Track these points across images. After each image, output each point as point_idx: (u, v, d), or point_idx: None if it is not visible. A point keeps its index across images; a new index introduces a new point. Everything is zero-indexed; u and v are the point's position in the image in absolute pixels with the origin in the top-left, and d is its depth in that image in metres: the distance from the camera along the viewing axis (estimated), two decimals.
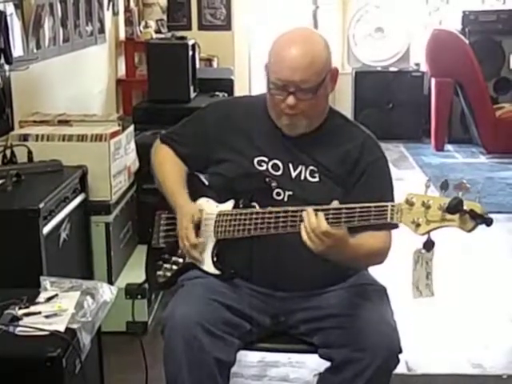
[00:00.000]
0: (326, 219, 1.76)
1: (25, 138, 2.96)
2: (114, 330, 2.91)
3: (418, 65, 7.15)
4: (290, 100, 1.93)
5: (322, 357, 1.98)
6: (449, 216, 1.64)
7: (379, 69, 7.24)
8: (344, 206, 1.78)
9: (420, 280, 1.82)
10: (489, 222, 1.63)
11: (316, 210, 1.78)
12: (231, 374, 1.96)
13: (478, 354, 3.01)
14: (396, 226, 1.87)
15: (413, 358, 2.91)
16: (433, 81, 6.66)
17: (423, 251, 1.77)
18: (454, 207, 1.62)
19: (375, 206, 1.74)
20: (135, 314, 2.62)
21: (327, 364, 1.97)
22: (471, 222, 1.63)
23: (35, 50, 3.49)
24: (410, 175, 5.77)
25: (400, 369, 2.09)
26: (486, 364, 2.93)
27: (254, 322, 2.01)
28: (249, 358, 2.88)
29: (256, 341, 2.05)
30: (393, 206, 1.72)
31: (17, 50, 3.18)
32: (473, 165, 6.22)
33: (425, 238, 1.72)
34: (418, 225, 1.68)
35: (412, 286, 1.83)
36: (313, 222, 1.77)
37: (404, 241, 1.86)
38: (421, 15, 7.29)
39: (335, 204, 1.79)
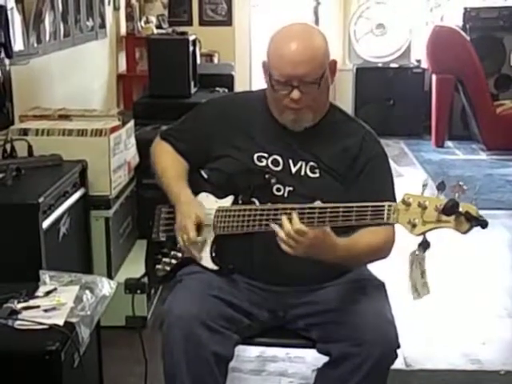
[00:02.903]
0: (319, 218, 1.77)
1: (25, 132, 2.96)
2: (114, 325, 2.92)
3: (418, 61, 7.15)
4: (295, 94, 1.92)
5: (319, 351, 1.99)
6: (444, 217, 1.65)
7: (380, 65, 7.25)
8: (342, 204, 1.78)
9: (417, 281, 1.83)
10: (484, 225, 1.64)
11: (312, 208, 1.79)
12: (230, 368, 1.96)
13: (476, 349, 3.02)
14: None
15: (411, 353, 2.92)
16: (433, 77, 6.66)
17: (417, 253, 1.78)
18: (450, 209, 1.63)
19: (372, 206, 1.74)
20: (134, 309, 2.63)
21: (326, 359, 1.97)
22: (466, 224, 1.64)
23: (36, 45, 3.49)
24: (410, 171, 5.78)
25: (398, 364, 2.10)
26: (484, 360, 2.94)
27: (252, 316, 2.01)
28: (247, 353, 2.88)
29: (254, 335, 2.05)
30: (389, 206, 1.73)
31: (17, 45, 3.18)
32: (473, 161, 6.23)
33: (421, 238, 1.72)
34: (414, 225, 1.68)
35: (411, 288, 1.84)
36: (286, 224, 1.78)
37: (404, 236, 1.86)
38: (422, 11, 7.29)
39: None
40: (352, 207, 1.77)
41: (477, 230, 1.69)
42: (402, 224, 1.71)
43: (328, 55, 1.98)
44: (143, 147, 3.19)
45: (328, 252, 1.83)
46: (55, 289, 2.05)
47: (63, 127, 3.00)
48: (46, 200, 2.46)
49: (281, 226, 1.79)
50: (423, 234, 1.70)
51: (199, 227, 1.99)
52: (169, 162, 2.16)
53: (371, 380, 1.88)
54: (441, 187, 1.67)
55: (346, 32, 7.37)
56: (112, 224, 3.06)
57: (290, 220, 1.78)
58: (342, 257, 1.88)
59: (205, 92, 4.94)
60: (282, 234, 1.79)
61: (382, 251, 1.99)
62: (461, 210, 1.63)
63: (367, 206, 1.75)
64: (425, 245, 1.73)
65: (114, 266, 3.10)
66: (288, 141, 2.03)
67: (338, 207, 1.78)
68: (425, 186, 1.71)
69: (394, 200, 1.83)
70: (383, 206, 1.73)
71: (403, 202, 1.70)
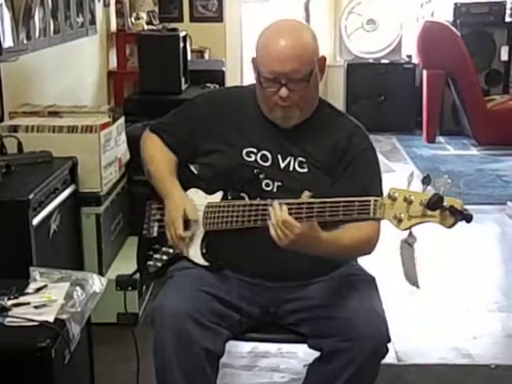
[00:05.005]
0: (307, 213, 1.77)
1: (15, 129, 2.95)
2: (105, 322, 2.92)
3: (409, 57, 7.16)
4: (283, 92, 1.92)
5: (311, 347, 1.99)
6: (429, 212, 1.64)
7: (371, 61, 7.25)
8: (329, 200, 1.78)
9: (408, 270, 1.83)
10: (468, 219, 1.63)
11: (299, 203, 1.79)
12: (221, 364, 1.97)
13: (467, 344, 3.03)
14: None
15: (402, 348, 2.92)
16: (424, 73, 6.67)
17: (403, 246, 1.77)
18: (435, 203, 1.63)
19: (359, 201, 1.74)
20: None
21: (317, 354, 1.97)
22: (451, 218, 1.64)
23: (25, 41, 3.47)
24: (401, 167, 5.78)
25: (389, 359, 2.10)
26: (475, 354, 2.95)
27: (243, 312, 2.02)
28: (239, 349, 2.88)
29: (246, 331, 2.05)
30: (376, 201, 1.72)
31: (7, 41, 3.16)
32: (464, 157, 6.25)
33: (407, 233, 1.72)
34: (400, 220, 1.68)
35: (416, 275, 1.83)
36: (277, 214, 1.78)
37: (394, 230, 1.86)
38: (413, 7, 7.29)
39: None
40: (339, 202, 1.76)
41: (467, 224, 1.68)
42: (387, 219, 1.71)
43: (317, 52, 1.97)
44: (134, 144, 3.15)
45: (311, 245, 1.83)
46: (45, 285, 2.05)
47: (53, 124, 2.99)
48: (36, 197, 2.45)
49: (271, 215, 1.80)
50: (409, 228, 1.70)
51: (187, 222, 1.99)
52: (158, 156, 2.16)
53: (363, 375, 1.88)
54: (426, 181, 1.67)
55: (336, 28, 7.37)
56: (103, 221, 3.06)
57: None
58: (325, 251, 1.88)
59: (196, 88, 4.92)
60: (273, 219, 1.79)
61: (366, 246, 1.99)
62: (445, 204, 1.63)
63: (354, 201, 1.75)
64: (411, 239, 1.72)
65: (105, 262, 3.09)
66: (277, 136, 2.03)
67: (325, 202, 1.78)
68: (410, 179, 1.70)
69: (381, 195, 1.82)
70: (369, 200, 1.73)
71: (389, 196, 1.70)
